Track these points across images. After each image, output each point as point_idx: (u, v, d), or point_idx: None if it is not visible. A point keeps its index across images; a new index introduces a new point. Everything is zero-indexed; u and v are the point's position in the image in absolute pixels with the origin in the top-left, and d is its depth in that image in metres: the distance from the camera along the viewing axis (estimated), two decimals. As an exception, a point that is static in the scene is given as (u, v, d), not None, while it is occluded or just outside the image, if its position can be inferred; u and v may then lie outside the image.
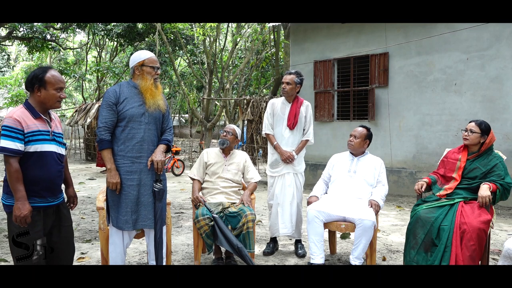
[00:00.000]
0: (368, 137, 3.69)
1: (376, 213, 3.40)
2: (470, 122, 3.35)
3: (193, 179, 3.77)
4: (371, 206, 3.40)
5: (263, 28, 13.67)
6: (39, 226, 2.37)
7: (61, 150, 2.53)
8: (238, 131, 3.87)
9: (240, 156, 3.84)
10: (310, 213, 3.38)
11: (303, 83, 4.03)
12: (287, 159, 3.88)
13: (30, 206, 2.31)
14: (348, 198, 3.50)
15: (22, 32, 11.86)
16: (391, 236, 4.68)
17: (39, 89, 2.39)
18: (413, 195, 6.58)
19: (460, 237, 2.96)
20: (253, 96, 12.56)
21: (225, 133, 3.78)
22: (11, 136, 2.28)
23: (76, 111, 14.42)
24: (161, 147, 2.96)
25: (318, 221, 3.34)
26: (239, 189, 3.78)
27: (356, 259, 3.32)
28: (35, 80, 2.39)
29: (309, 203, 3.61)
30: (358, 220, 3.26)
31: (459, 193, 3.22)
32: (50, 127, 2.46)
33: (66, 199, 2.72)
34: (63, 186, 2.66)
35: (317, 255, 3.35)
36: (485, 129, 3.25)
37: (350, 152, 3.74)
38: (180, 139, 26.71)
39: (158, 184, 2.91)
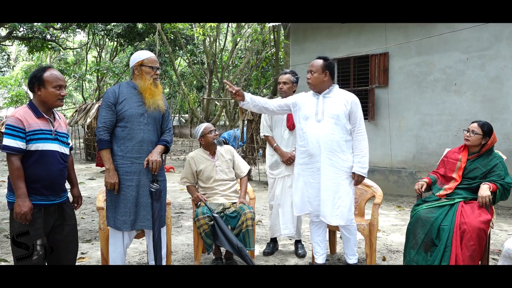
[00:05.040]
0: (327, 67, 3.19)
1: (357, 183, 3.21)
2: (472, 122, 3.33)
3: (187, 186, 3.72)
4: (354, 178, 3.17)
5: (263, 28, 13.67)
6: (39, 223, 2.39)
7: (65, 150, 2.55)
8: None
9: (226, 152, 3.78)
10: (313, 216, 3.34)
11: (300, 82, 4.01)
12: (289, 161, 3.84)
13: (30, 204, 2.33)
14: (326, 181, 3.16)
15: (22, 32, 11.86)
16: (391, 236, 4.68)
17: (39, 88, 2.42)
18: (413, 195, 6.57)
19: (460, 237, 2.95)
20: (253, 96, 12.50)
21: (214, 133, 3.69)
22: (13, 135, 2.33)
23: (76, 111, 14.40)
24: (159, 148, 2.95)
25: (321, 222, 3.32)
26: (236, 185, 3.76)
27: (349, 258, 3.33)
28: (35, 80, 2.43)
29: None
30: (336, 222, 3.23)
31: (459, 193, 3.22)
32: (53, 127, 2.48)
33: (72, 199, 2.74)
34: (68, 185, 2.67)
35: (320, 255, 3.36)
36: (487, 130, 3.24)
37: (314, 91, 3.29)
38: (180, 139, 26.70)
39: (154, 184, 2.90)
